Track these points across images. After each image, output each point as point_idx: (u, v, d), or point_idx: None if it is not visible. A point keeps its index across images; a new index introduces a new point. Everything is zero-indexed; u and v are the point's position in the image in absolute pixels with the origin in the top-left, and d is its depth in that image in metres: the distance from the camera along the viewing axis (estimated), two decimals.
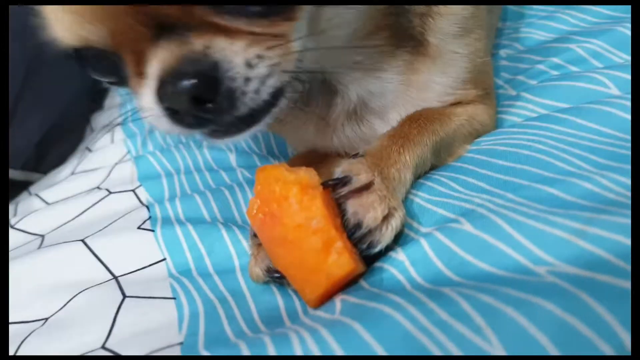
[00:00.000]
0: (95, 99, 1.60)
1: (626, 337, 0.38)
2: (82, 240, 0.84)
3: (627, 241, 0.46)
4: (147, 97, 0.57)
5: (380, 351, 0.45)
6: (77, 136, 1.43)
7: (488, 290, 0.47)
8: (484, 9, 0.83)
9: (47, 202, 1.10)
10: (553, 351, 0.39)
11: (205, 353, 0.55)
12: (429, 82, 0.77)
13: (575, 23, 0.98)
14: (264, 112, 0.60)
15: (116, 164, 1.15)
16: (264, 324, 0.61)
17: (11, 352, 0.67)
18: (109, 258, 0.80)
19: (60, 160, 1.34)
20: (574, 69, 0.86)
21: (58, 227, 0.96)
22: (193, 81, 0.52)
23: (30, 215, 1.03)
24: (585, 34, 0.91)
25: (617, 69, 0.77)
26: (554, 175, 0.61)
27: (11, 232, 1.00)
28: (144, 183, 1.01)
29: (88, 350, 0.63)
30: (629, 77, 0.75)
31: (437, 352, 0.43)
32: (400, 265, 0.58)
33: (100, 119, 1.51)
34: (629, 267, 0.44)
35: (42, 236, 0.95)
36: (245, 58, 0.54)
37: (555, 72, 0.88)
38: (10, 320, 0.75)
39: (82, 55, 0.60)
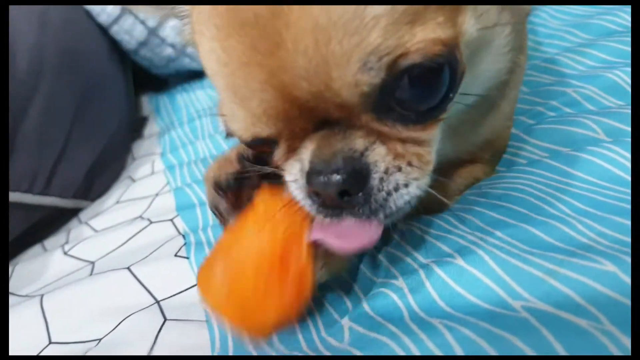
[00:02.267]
0: (136, 128, 1.70)
1: None
2: (128, 268, 0.93)
3: (592, 283, 0.54)
4: (293, 172, 0.61)
5: None
6: (120, 165, 1.52)
7: (470, 324, 0.56)
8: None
9: (95, 230, 1.19)
10: None
11: None
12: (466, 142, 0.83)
13: (574, 66, 1.05)
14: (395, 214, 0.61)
15: (157, 194, 1.24)
16: (282, 344, 0.69)
17: None
18: (151, 284, 0.89)
19: (105, 187, 1.43)
20: (568, 110, 0.94)
21: (106, 255, 1.05)
22: (345, 177, 0.56)
23: (81, 243, 1.13)
24: (580, 79, 0.98)
25: (605, 115, 0.84)
26: (536, 216, 0.68)
27: (65, 258, 1.10)
28: (181, 213, 1.10)
29: None
30: (615, 123, 0.82)
31: None
32: (400, 292, 0.67)
33: (140, 147, 1.60)
34: (590, 307, 0.52)
35: (93, 263, 1.04)
36: (387, 166, 0.58)
37: (552, 114, 0.95)
38: (67, 340, 0.85)
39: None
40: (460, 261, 0.66)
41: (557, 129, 0.88)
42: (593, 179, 0.73)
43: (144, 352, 0.74)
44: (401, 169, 0.59)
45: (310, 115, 0.56)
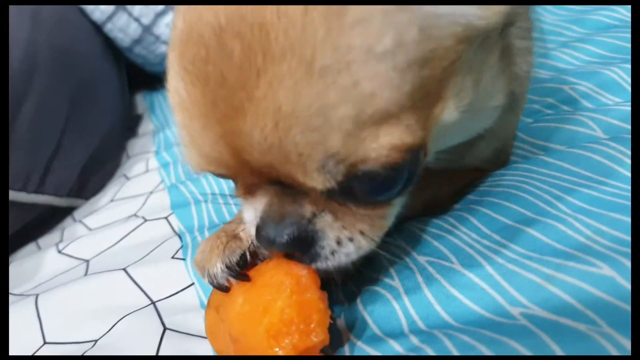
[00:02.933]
0: (130, 127, 1.70)
1: None
2: (124, 269, 0.93)
3: (590, 288, 0.54)
4: (248, 215, 0.62)
5: None
6: (115, 163, 1.52)
7: (468, 332, 0.55)
8: None
9: (90, 228, 1.19)
10: None
11: None
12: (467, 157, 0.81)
13: (570, 61, 1.05)
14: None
15: (151, 192, 1.24)
16: None
17: None
18: (147, 285, 0.89)
19: (100, 186, 1.43)
20: (565, 108, 0.93)
21: (101, 253, 1.05)
22: (290, 241, 0.58)
23: (75, 241, 1.12)
24: (576, 75, 0.98)
25: (602, 112, 0.84)
26: (534, 216, 0.68)
27: (59, 257, 1.09)
28: (176, 211, 1.10)
29: None
30: (612, 120, 0.82)
31: None
32: (395, 292, 0.67)
33: (135, 145, 1.60)
34: (588, 312, 0.52)
35: (87, 261, 1.04)
36: (338, 236, 0.59)
37: (549, 111, 0.95)
38: (62, 340, 0.84)
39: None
40: (457, 265, 0.65)
41: (555, 127, 0.88)
42: (590, 175, 0.72)
43: (141, 354, 0.74)
44: (352, 240, 0.60)
45: (261, 175, 0.56)
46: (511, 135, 0.88)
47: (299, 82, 0.47)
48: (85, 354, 0.78)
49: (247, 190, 0.61)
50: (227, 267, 0.67)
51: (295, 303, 0.60)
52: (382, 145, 0.50)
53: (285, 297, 0.60)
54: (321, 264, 0.60)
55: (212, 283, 0.68)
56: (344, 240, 0.59)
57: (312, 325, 0.60)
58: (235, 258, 0.67)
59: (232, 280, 0.66)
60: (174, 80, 0.56)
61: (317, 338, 0.59)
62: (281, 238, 0.58)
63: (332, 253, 0.59)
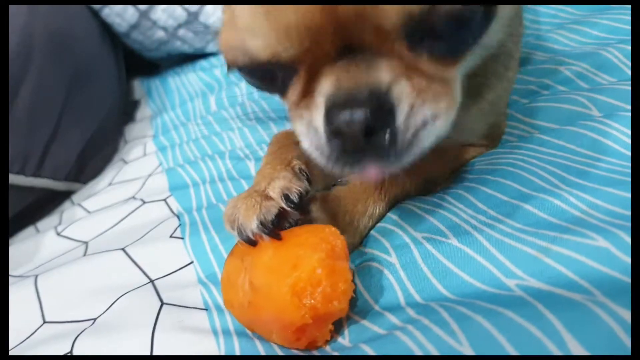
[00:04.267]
0: (128, 112, 1.70)
1: (568, 338, 0.47)
2: (123, 249, 0.94)
3: (584, 259, 0.54)
4: (316, 118, 0.55)
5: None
6: (113, 147, 1.52)
7: (464, 303, 0.56)
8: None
9: (88, 211, 1.19)
10: (510, 349, 0.48)
11: None
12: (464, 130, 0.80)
13: (566, 43, 1.05)
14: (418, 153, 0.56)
15: (149, 175, 1.24)
16: None
17: (66, 348, 0.76)
18: (146, 264, 0.89)
19: (98, 170, 1.43)
20: (561, 88, 0.94)
21: (100, 235, 1.06)
22: (371, 112, 0.51)
23: (74, 223, 1.13)
24: (572, 56, 0.98)
25: (598, 92, 0.85)
26: (530, 192, 0.69)
27: (58, 239, 1.10)
28: (174, 193, 1.11)
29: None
30: (607, 99, 0.82)
31: (417, 351, 0.53)
32: (392, 267, 0.68)
33: (133, 130, 1.60)
34: (583, 282, 0.53)
35: (86, 243, 1.04)
36: (412, 101, 0.53)
37: (545, 92, 0.95)
38: (61, 320, 0.85)
39: (252, 69, 0.59)
40: (453, 240, 0.66)
41: (550, 107, 0.88)
42: (585, 151, 0.73)
43: (141, 335, 0.74)
44: (427, 102, 0.53)
45: (342, 36, 0.51)
46: (503, 110, 0.89)
47: None
48: (84, 332, 0.78)
49: (309, 85, 0.55)
50: (262, 223, 0.64)
51: (328, 266, 0.60)
52: None
53: (318, 258, 0.60)
54: (401, 146, 0.53)
55: (242, 236, 0.66)
56: (419, 105, 0.53)
57: (337, 293, 0.60)
58: (270, 217, 0.65)
59: (265, 237, 0.64)
60: None
61: (339, 305, 0.60)
62: (361, 110, 0.51)
63: (409, 119, 0.53)
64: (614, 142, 0.72)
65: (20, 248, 1.13)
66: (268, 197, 0.68)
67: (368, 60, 0.52)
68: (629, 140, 0.71)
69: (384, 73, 0.52)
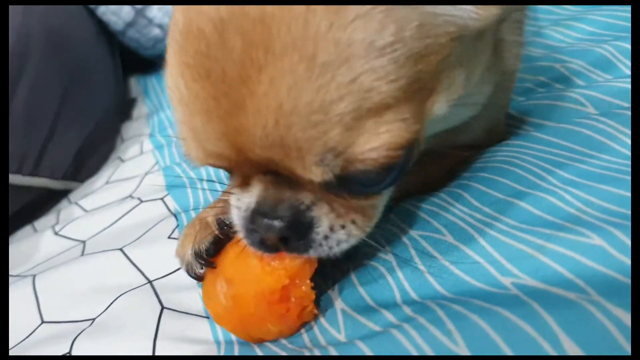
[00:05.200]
0: (124, 110, 1.69)
1: (563, 337, 0.47)
2: (120, 249, 0.94)
3: (580, 257, 0.54)
4: (242, 202, 0.61)
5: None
6: (110, 146, 1.52)
7: (460, 301, 0.56)
8: None
9: (85, 210, 1.19)
10: (506, 349, 0.48)
11: None
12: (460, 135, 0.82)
13: (562, 39, 1.05)
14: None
15: (146, 174, 1.24)
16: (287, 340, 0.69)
17: (65, 348, 0.76)
18: (144, 265, 0.89)
19: (95, 169, 1.43)
20: (558, 86, 0.94)
21: (97, 234, 1.06)
22: (288, 225, 0.58)
23: (71, 223, 1.13)
24: (568, 53, 0.98)
25: (594, 89, 0.85)
26: (525, 189, 0.69)
27: (55, 238, 1.10)
28: (171, 192, 1.10)
29: None
30: (604, 97, 0.82)
31: (413, 352, 0.53)
32: (388, 264, 0.68)
33: (129, 129, 1.60)
34: (578, 280, 0.53)
35: (84, 242, 1.05)
36: (331, 223, 0.59)
37: (541, 90, 0.95)
38: (59, 319, 0.85)
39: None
40: (449, 238, 0.66)
41: (546, 105, 0.88)
42: (580, 148, 0.73)
43: (142, 336, 0.75)
44: (344, 227, 0.60)
45: (260, 167, 0.56)
46: (502, 114, 0.89)
47: (300, 78, 0.48)
48: (83, 334, 0.78)
49: (244, 180, 0.60)
50: (196, 254, 0.70)
51: None
52: (381, 143, 0.51)
53: None
54: (314, 252, 0.60)
55: (189, 273, 0.72)
56: (337, 227, 0.60)
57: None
58: (205, 245, 0.69)
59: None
60: (174, 76, 0.56)
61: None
62: (279, 221, 0.57)
63: (325, 238, 0.59)
64: (609, 139, 0.72)
65: (17, 247, 1.13)
66: (207, 225, 0.73)
67: (293, 182, 0.57)
68: (624, 138, 0.71)
69: (306, 194, 0.58)
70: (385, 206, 0.66)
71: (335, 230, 0.60)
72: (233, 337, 0.72)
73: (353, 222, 0.61)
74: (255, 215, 0.59)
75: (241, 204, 0.61)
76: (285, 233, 0.58)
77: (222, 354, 0.70)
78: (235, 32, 0.49)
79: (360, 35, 0.48)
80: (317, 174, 0.52)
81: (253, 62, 0.49)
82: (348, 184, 0.56)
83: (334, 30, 0.48)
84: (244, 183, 0.61)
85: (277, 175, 0.56)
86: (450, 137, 0.78)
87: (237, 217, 0.62)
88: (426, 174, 0.81)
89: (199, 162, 0.59)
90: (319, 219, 0.58)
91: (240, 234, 0.63)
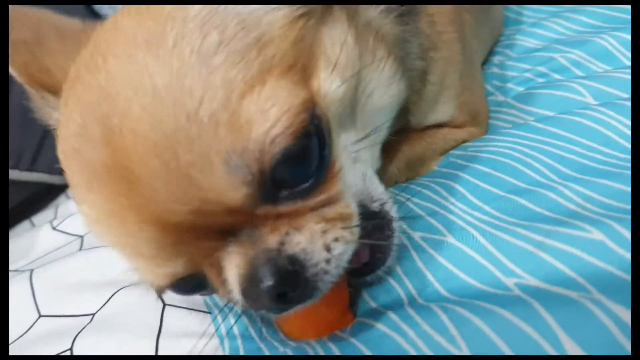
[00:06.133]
0: None
1: (564, 338, 0.47)
2: None
3: (580, 253, 0.54)
4: (237, 301, 0.57)
5: None
6: None
7: (464, 304, 0.56)
8: (469, 48, 0.90)
9: None
10: (508, 353, 0.49)
11: None
12: (422, 119, 0.84)
13: (561, 31, 1.05)
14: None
15: None
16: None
17: (66, 345, 0.76)
18: None
19: None
20: (557, 77, 0.93)
21: None
22: (273, 281, 0.52)
23: (69, 217, 1.13)
24: (567, 44, 0.97)
25: (593, 79, 0.85)
26: (524, 185, 0.69)
27: (53, 233, 1.10)
28: None
29: None
30: (603, 87, 0.82)
31: None
32: (395, 274, 0.67)
33: None
34: (579, 278, 0.53)
35: (82, 237, 1.04)
36: (324, 243, 0.54)
37: (540, 80, 0.95)
38: (57, 314, 0.85)
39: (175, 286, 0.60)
40: (450, 238, 0.66)
41: (545, 94, 0.88)
42: (580, 139, 0.73)
43: (145, 333, 0.75)
44: (337, 239, 0.55)
45: (207, 233, 0.52)
46: (468, 86, 0.88)
47: (154, 111, 0.48)
48: (85, 329, 0.79)
49: (217, 271, 0.56)
50: None
51: None
52: (275, 117, 0.50)
53: None
54: (323, 284, 0.55)
55: None
56: (330, 241, 0.55)
57: None
58: None
59: None
60: (79, 205, 0.57)
61: None
62: (264, 286, 0.52)
63: (328, 262, 0.55)
64: (610, 130, 0.72)
65: (16, 243, 1.13)
66: None
67: (250, 236, 0.53)
68: (624, 129, 0.72)
69: (268, 239, 0.53)
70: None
71: (333, 249, 0.55)
72: (236, 331, 0.72)
73: (341, 228, 0.56)
74: (243, 292, 0.54)
75: (235, 298, 0.57)
76: (278, 289, 0.53)
77: (226, 347, 0.70)
78: (91, 122, 0.52)
79: (187, 51, 0.50)
80: (237, 183, 0.49)
81: (114, 132, 0.50)
82: (287, 183, 0.53)
83: (161, 59, 0.50)
84: (219, 276, 0.56)
85: (232, 235, 0.53)
86: (421, 115, 0.82)
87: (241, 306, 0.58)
88: (409, 153, 0.82)
89: (162, 279, 0.57)
90: (301, 250, 0.54)
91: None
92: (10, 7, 0.70)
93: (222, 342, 0.71)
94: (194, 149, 0.48)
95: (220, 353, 0.69)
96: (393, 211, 0.65)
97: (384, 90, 0.66)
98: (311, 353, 0.62)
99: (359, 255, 0.61)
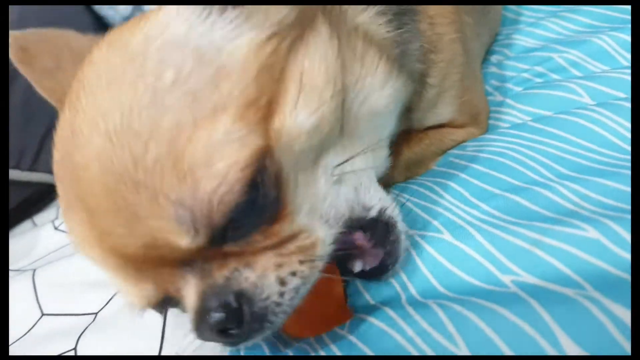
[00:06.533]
0: None
1: (560, 335, 0.48)
2: None
3: (576, 251, 0.55)
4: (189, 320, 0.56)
5: None
6: None
7: (460, 301, 0.57)
8: (470, 49, 0.90)
9: None
10: (506, 350, 0.49)
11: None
12: (422, 121, 0.84)
13: (559, 31, 1.05)
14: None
15: None
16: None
17: (71, 344, 0.77)
18: None
19: None
20: (555, 77, 0.94)
21: None
22: (217, 317, 0.52)
23: None
24: (565, 44, 0.98)
25: (591, 79, 0.85)
26: (521, 184, 0.69)
27: (55, 233, 1.11)
28: None
29: None
30: (600, 87, 0.83)
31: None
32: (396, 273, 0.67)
33: None
34: (575, 276, 0.53)
35: None
36: (277, 276, 0.54)
37: (538, 80, 0.95)
38: (60, 312, 0.86)
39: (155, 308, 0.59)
40: (448, 236, 0.66)
41: (543, 94, 0.89)
42: (577, 140, 0.74)
43: (149, 335, 0.75)
44: (295, 273, 0.55)
45: (163, 263, 0.52)
46: (469, 86, 0.88)
47: (105, 152, 0.49)
48: (88, 330, 0.79)
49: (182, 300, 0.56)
50: None
51: None
52: (223, 171, 0.48)
53: None
54: (276, 318, 0.55)
55: None
56: (286, 275, 0.54)
57: None
58: None
59: None
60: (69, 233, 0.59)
61: None
62: (212, 319, 0.52)
63: (282, 295, 0.54)
64: (606, 131, 0.73)
65: (18, 242, 1.13)
66: None
67: (201, 268, 0.53)
68: (621, 130, 0.72)
69: (216, 275, 0.53)
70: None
71: (287, 282, 0.54)
72: None
73: (300, 262, 0.55)
74: (195, 324, 0.54)
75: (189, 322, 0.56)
76: (223, 324, 0.53)
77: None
78: (65, 155, 0.54)
79: (140, 90, 0.49)
80: (184, 234, 0.49)
81: (77, 167, 0.51)
82: (235, 231, 0.52)
83: (116, 98, 0.50)
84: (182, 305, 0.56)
85: (184, 266, 0.53)
86: (417, 118, 0.82)
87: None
88: (408, 154, 0.83)
89: (141, 303, 0.57)
90: (250, 285, 0.53)
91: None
92: (30, 31, 0.73)
93: None
94: (141, 192, 0.48)
95: (220, 352, 0.70)
96: (395, 215, 0.64)
97: (378, 94, 0.65)
98: (310, 351, 0.63)
99: (366, 260, 0.62)
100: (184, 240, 0.49)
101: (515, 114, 0.90)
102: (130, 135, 0.48)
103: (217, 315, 0.52)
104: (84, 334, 0.78)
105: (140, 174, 0.48)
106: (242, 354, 0.68)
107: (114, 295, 0.83)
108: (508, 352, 0.49)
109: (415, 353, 0.55)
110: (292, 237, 0.55)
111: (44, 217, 1.26)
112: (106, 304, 0.83)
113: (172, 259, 0.52)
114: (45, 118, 1.29)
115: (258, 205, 0.52)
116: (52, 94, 0.71)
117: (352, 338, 0.61)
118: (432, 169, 0.85)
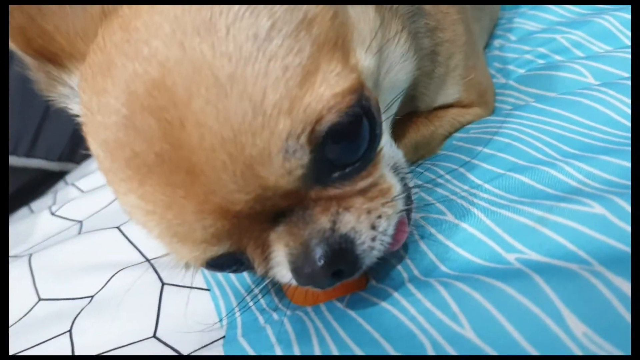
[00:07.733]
0: None
1: (564, 310, 0.47)
2: (118, 227, 0.93)
3: (581, 227, 0.54)
4: (282, 275, 0.58)
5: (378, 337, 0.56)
6: None
7: (464, 279, 0.56)
8: (472, 30, 0.90)
9: (82, 191, 1.19)
10: (510, 328, 0.48)
11: (242, 340, 0.64)
12: (431, 101, 0.85)
13: (562, 13, 1.04)
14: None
15: None
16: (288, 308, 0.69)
17: (66, 327, 0.76)
18: (142, 243, 0.89)
19: None
20: (558, 58, 0.93)
21: (94, 214, 1.05)
22: (328, 259, 0.53)
23: (68, 203, 1.12)
24: (569, 25, 0.97)
25: (594, 59, 0.84)
26: (525, 164, 0.69)
27: (52, 219, 1.10)
28: None
29: (142, 338, 0.72)
30: (604, 67, 0.82)
31: (422, 338, 0.53)
32: (398, 255, 0.66)
33: None
34: (580, 252, 0.52)
35: (81, 222, 1.04)
36: (369, 223, 0.55)
37: (541, 61, 0.94)
38: (57, 297, 0.85)
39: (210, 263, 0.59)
40: (450, 217, 0.65)
41: (546, 75, 0.88)
42: (581, 119, 0.73)
43: (150, 321, 0.74)
44: (380, 216, 0.56)
45: (261, 217, 0.53)
46: (477, 66, 0.88)
47: (219, 103, 0.47)
48: (83, 311, 0.78)
49: (262, 253, 0.57)
50: None
51: None
52: (327, 98, 0.49)
53: None
54: (369, 259, 0.57)
55: None
56: (375, 219, 0.56)
57: None
58: None
59: None
60: (124, 198, 0.55)
61: None
62: (319, 264, 0.53)
63: (374, 239, 0.56)
64: (610, 110, 0.72)
65: (15, 229, 1.13)
66: None
67: (302, 217, 0.54)
68: (624, 108, 0.71)
69: (321, 219, 0.54)
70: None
71: (377, 226, 0.56)
72: (234, 303, 0.72)
73: (383, 205, 0.57)
74: (297, 273, 0.55)
75: (279, 273, 0.58)
76: (335, 266, 0.54)
77: (224, 320, 0.71)
78: (141, 115, 0.49)
79: (242, 37, 0.48)
80: (295, 167, 0.49)
81: (172, 125, 0.48)
82: (334, 166, 0.54)
83: (218, 47, 0.48)
84: (262, 254, 0.57)
85: (283, 216, 0.54)
86: (429, 97, 0.82)
87: (283, 281, 0.59)
88: (415, 137, 0.82)
89: (199, 261, 0.57)
90: (353, 229, 0.55)
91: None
92: None
93: (219, 314, 0.72)
94: (258, 140, 0.47)
95: (217, 326, 0.70)
96: (411, 182, 0.64)
97: (399, 67, 0.66)
98: (306, 321, 0.62)
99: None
100: (293, 178, 0.50)
101: (518, 96, 0.89)
102: (245, 84, 0.47)
103: (327, 259, 0.53)
104: (79, 315, 0.77)
105: (259, 122, 0.47)
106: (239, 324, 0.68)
107: (111, 277, 0.82)
108: (510, 328, 0.48)
109: (417, 332, 0.54)
110: (375, 183, 0.57)
111: (41, 204, 1.25)
112: (103, 287, 0.82)
113: (273, 210, 0.53)
114: (42, 104, 1.29)
115: (360, 135, 0.54)
116: (20, 34, 0.61)
117: (352, 313, 0.60)
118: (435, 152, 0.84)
